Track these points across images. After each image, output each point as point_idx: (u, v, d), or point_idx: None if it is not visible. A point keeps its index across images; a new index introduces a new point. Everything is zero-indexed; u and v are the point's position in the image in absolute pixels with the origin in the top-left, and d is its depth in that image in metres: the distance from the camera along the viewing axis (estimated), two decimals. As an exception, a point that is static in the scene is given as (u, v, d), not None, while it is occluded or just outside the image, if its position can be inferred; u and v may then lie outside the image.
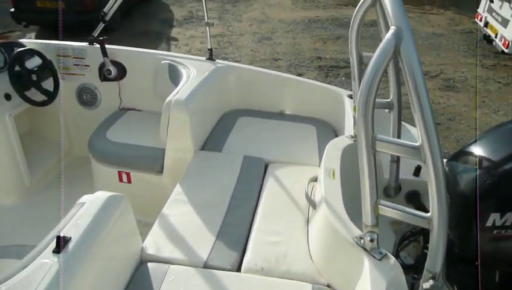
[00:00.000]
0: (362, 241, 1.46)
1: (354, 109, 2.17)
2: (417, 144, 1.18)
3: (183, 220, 1.95)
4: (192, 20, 8.67)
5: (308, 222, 1.98)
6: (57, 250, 1.36)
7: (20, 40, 2.90)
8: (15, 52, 2.62)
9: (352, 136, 2.17)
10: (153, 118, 2.94)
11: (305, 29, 8.37)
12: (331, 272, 1.67)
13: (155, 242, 1.82)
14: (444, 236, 1.21)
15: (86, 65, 3.04)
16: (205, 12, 2.92)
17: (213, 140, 2.61)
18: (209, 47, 2.99)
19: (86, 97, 3.13)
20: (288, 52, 7.12)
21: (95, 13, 7.04)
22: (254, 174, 2.30)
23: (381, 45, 1.19)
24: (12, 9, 6.94)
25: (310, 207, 2.02)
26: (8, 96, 2.58)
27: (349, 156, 2.05)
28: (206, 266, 1.72)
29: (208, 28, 2.97)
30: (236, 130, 2.72)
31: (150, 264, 1.72)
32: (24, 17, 6.98)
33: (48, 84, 2.77)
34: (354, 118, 2.17)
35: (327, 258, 1.69)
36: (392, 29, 1.17)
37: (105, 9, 2.96)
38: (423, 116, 1.13)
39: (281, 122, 2.85)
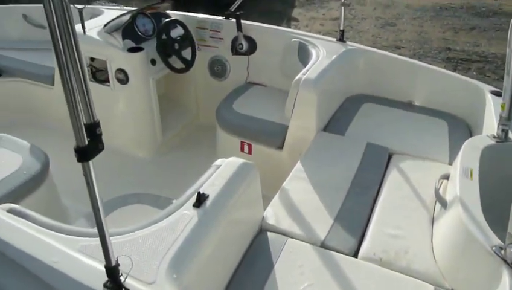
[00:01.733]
0: (503, 252, 1.33)
1: (502, 107, 1.96)
2: None
3: (303, 197, 1.99)
4: (314, 2, 8.57)
5: (433, 220, 1.87)
6: (197, 204, 1.48)
7: (167, 12, 3.16)
8: (163, 22, 2.86)
9: (494, 136, 1.98)
10: (277, 94, 3.01)
11: (435, 16, 7.73)
12: (458, 278, 1.56)
13: (275, 213, 1.89)
14: None
15: (220, 38, 3.20)
16: None
17: (336, 122, 2.58)
18: (341, 28, 2.93)
19: (217, 69, 3.31)
20: (413, 41, 6.67)
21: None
22: (376, 163, 2.24)
23: None
24: (153, -17, 7.62)
25: (437, 205, 1.90)
26: (153, 62, 2.85)
27: (489, 158, 1.88)
28: (323, 245, 1.74)
29: (342, 8, 2.91)
30: (360, 116, 2.65)
31: (269, 234, 1.79)
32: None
33: (186, 53, 2.99)
34: (500, 116, 1.96)
35: (455, 262, 1.58)
36: None
37: (246, -15, 3.07)
38: None
39: (408, 113, 2.70)
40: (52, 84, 3.18)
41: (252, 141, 2.71)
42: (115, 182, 2.81)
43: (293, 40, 2.96)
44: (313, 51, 2.77)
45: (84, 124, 0.98)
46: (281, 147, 2.61)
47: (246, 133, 2.72)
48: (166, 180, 2.82)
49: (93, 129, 0.99)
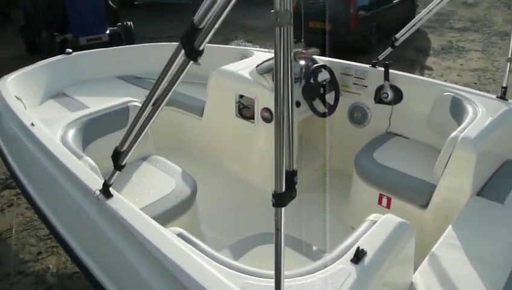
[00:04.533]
0: None
1: None
2: None
3: (456, 268, 1.79)
4: (451, 51, 8.13)
5: None
6: (355, 260, 1.43)
7: (314, 56, 3.26)
8: (312, 66, 2.95)
9: None
10: (421, 148, 2.85)
11: None
12: None
13: (425, 281, 1.73)
14: None
15: (364, 86, 3.18)
16: (510, 47, 2.64)
17: (493, 188, 2.32)
18: (504, 85, 2.69)
19: (357, 115, 3.28)
20: None
21: (356, 36, 7.48)
22: None
23: None
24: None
25: None
26: (298, 104, 2.94)
27: None
28: None
29: (508, 64, 2.68)
30: None
31: None
32: (297, 34, 7.94)
33: (329, 97, 3.02)
34: None
35: None
36: None
37: (397, 36, 3.02)
38: None
39: None
40: (201, 115, 3.48)
41: (392, 195, 2.57)
42: (251, 217, 2.92)
43: (446, 93, 2.80)
44: (469, 108, 2.58)
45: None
46: (425, 206, 2.43)
47: (387, 186, 2.60)
48: (298, 221, 2.82)
49: (291, 177, 1.03)
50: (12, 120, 2.56)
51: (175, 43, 4.52)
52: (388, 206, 2.60)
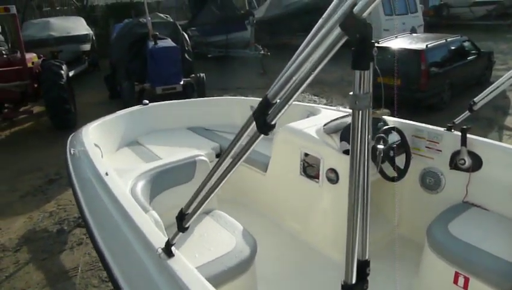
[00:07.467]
0: None
1: None
2: None
3: None
4: (535, 110, 7.55)
5: None
6: None
7: (384, 117, 3.16)
8: (382, 129, 2.84)
9: None
10: (504, 222, 2.58)
11: None
12: None
13: None
14: None
15: (437, 150, 3.00)
16: None
17: None
18: None
19: (429, 181, 3.07)
20: None
21: (427, 93, 7.23)
22: None
23: None
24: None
25: None
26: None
27: None
28: None
29: None
30: None
31: None
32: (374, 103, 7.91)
33: (398, 160, 2.87)
34: None
35: None
36: None
37: (476, 99, 2.85)
38: None
39: None
40: (265, 171, 3.47)
41: (471, 275, 2.31)
42: (311, 284, 2.77)
43: None
44: None
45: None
46: (511, 292, 2.15)
47: (464, 264, 2.34)
48: None
49: (363, 268, 0.94)
50: (89, 166, 2.73)
51: (242, 97, 4.67)
52: (465, 287, 2.33)
